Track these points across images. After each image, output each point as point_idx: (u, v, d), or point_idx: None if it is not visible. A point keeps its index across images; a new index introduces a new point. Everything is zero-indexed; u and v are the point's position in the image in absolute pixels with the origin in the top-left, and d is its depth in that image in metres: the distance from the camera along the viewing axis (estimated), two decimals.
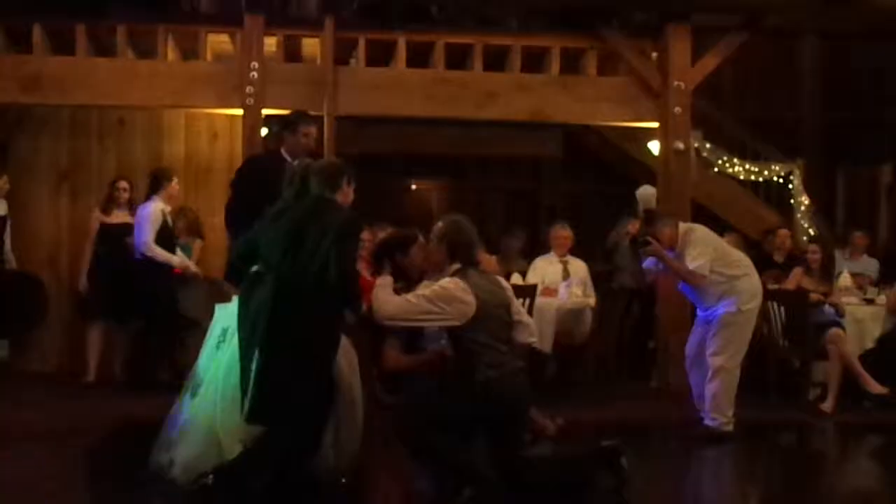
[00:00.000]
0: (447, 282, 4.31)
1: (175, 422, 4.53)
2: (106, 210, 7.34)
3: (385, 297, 4.36)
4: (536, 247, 8.43)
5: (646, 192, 7.84)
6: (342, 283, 4.13)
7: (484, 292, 4.33)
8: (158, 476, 4.41)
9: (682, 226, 5.94)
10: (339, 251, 4.12)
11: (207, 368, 4.56)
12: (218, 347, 4.57)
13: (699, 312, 6.03)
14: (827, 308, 7.11)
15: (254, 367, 4.07)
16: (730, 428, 5.86)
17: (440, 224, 4.54)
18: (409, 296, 4.37)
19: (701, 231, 5.90)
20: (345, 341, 4.41)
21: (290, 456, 4.16)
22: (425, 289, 4.35)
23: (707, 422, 5.88)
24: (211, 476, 4.18)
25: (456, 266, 4.41)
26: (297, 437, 4.18)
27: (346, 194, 4.43)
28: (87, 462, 5.23)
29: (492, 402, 4.25)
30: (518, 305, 4.68)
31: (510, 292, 4.58)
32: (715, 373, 5.81)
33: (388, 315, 4.32)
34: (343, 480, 4.46)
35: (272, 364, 4.06)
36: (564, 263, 7.62)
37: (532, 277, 7.45)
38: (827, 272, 7.36)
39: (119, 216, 7.32)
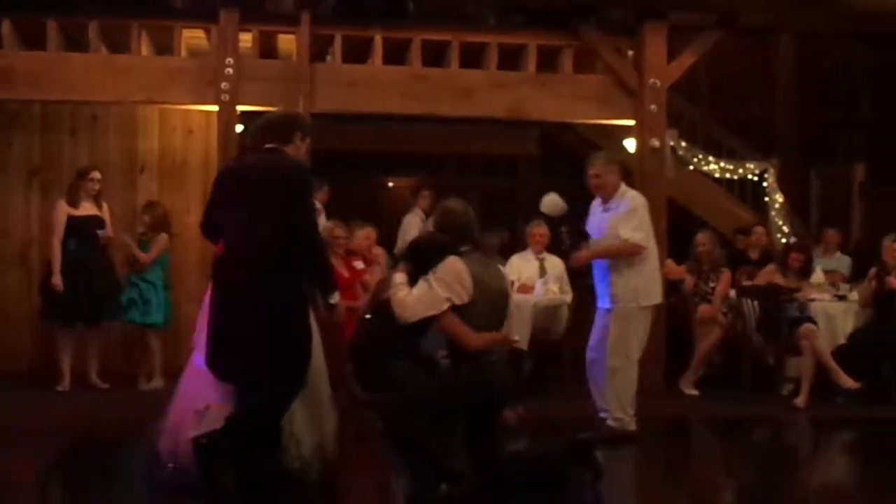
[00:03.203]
0: (452, 260, 4.28)
1: None
2: (73, 202, 7.10)
3: (403, 297, 4.27)
4: (514, 244, 8.43)
5: (551, 201, 7.71)
6: (308, 238, 4.10)
7: (482, 278, 4.30)
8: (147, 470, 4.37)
9: (622, 186, 5.89)
10: (295, 210, 4.06)
11: None
12: None
13: (600, 305, 5.90)
14: (795, 304, 7.16)
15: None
16: (633, 427, 5.69)
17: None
18: (421, 285, 4.28)
19: (641, 201, 5.80)
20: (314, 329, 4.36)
21: (258, 416, 4.10)
22: (430, 275, 4.26)
23: (610, 422, 5.72)
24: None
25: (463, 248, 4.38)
26: (265, 399, 4.10)
27: (297, 148, 4.28)
28: (71, 458, 5.19)
29: (480, 387, 4.26)
30: (511, 300, 4.64)
31: (508, 284, 4.55)
32: (612, 373, 5.69)
33: (414, 313, 4.22)
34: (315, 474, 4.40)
35: (240, 324, 4.06)
36: (541, 261, 7.64)
37: (508, 275, 7.41)
38: (804, 273, 7.43)
39: (87, 208, 7.12)
